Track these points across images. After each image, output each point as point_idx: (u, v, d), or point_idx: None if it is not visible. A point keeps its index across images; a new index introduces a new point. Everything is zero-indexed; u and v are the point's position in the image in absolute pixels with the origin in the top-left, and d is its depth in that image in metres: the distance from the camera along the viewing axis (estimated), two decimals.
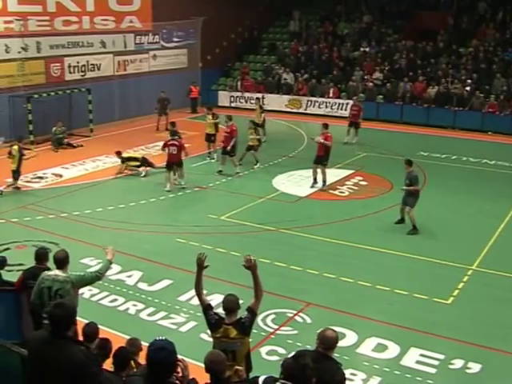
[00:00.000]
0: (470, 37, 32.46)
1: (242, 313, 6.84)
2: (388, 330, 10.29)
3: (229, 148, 19.87)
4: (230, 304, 6.87)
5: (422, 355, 9.51)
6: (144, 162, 20.34)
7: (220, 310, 7.01)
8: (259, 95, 30.15)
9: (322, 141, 18.25)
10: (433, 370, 9.17)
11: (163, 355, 4.60)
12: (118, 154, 20.29)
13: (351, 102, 27.40)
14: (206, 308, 7.02)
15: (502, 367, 9.35)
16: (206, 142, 22.15)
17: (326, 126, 18.84)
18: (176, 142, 18.41)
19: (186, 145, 18.93)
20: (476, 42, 32.06)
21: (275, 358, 9.20)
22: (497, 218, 16.09)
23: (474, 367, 9.23)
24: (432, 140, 26.14)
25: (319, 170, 18.50)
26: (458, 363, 9.32)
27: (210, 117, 22.15)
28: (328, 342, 5.81)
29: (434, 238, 14.85)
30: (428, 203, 16.07)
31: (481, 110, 28.59)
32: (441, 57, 31.61)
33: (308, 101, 31.70)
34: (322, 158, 18.37)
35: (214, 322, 6.89)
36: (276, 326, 10.31)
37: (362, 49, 33.75)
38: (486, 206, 17.24)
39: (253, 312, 6.91)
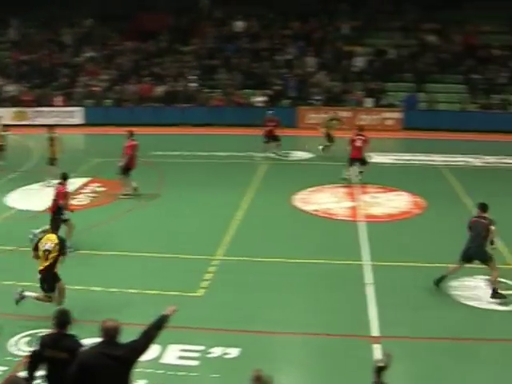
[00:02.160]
0: (191, 35, 33.64)
1: None
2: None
3: None
4: None
5: (182, 350, 9.63)
6: None
7: None
8: None
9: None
10: (195, 363, 9.34)
11: None
12: None
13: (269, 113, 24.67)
14: None
15: (258, 346, 9.86)
16: None
17: (131, 134, 18.29)
18: None
19: None
20: (197, 39, 33.32)
21: None
22: (233, 206, 16.93)
23: (233, 352, 9.60)
24: (164, 139, 26.69)
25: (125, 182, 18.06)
26: (217, 351, 9.61)
27: None
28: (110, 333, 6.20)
29: (175, 235, 15.15)
30: (170, 201, 16.42)
31: (207, 105, 29.86)
32: (165, 56, 32.34)
33: (35, 111, 30.41)
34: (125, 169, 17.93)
35: None
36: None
37: (85, 54, 33.26)
38: (222, 197, 18.07)
39: None
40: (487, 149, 25.02)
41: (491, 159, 23.59)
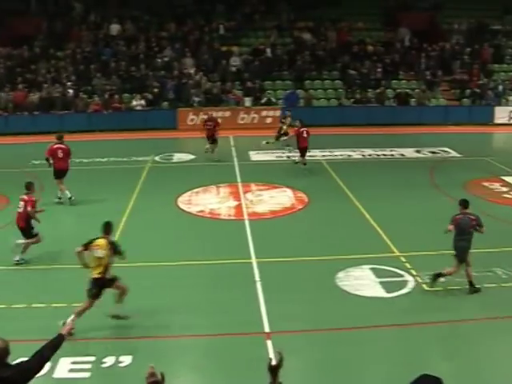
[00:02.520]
0: (66, 40, 32.71)
1: None
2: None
3: None
4: None
5: (73, 362, 9.35)
6: None
7: None
8: None
9: None
10: (87, 374, 9.12)
11: None
12: None
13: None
14: None
15: (151, 352, 9.70)
16: None
17: (60, 137, 18.20)
18: None
19: None
20: (72, 44, 32.44)
21: None
22: (117, 212, 16.48)
23: (126, 360, 9.44)
24: (43, 147, 25.70)
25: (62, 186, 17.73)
26: (109, 361, 9.42)
27: None
28: None
29: (59, 244, 14.34)
30: (51, 211, 15.86)
31: (86, 111, 29.16)
32: (39, 62, 31.25)
33: None
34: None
35: None
36: None
37: None
38: (105, 203, 17.67)
39: None
40: (365, 142, 25.96)
41: (370, 152, 24.48)
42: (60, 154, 17.88)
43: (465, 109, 31.33)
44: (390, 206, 17.39)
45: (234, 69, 32.41)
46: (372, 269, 12.84)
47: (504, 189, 19.48)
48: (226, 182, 19.94)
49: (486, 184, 19.92)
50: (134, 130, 27.90)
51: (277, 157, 23.84)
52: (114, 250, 10.47)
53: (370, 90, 31.46)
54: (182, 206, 17.61)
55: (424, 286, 12.15)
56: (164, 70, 31.69)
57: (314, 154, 22.93)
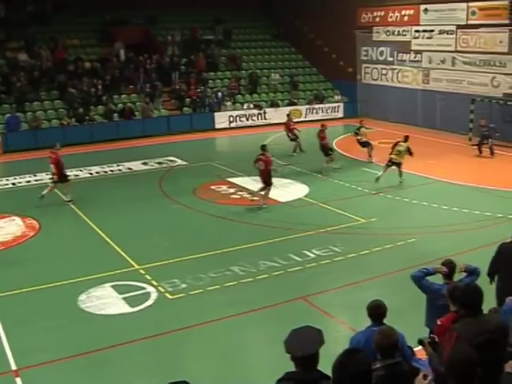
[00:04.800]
0: None
1: None
2: None
3: None
4: None
5: None
6: None
7: None
8: None
9: None
10: None
11: None
12: None
13: None
14: None
15: None
16: None
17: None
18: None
19: None
20: None
21: None
22: None
23: None
24: None
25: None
26: None
27: None
28: None
29: None
30: None
31: None
32: None
33: None
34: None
35: None
36: None
37: None
38: None
39: None
40: (92, 160, 25.56)
41: (97, 169, 24.15)
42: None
43: (186, 117, 32.50)
44: (123, 220, 17.44)
45: None
46: (113, 286, 12.76)
47: (231, 190, 20.57)
48: None
49: (213, 187, 20.86)
50: None
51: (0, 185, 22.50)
52: None
53: (92, 108, 31.11)
54: None
55: (167, 294, 12.38)
56: None
57: (38, 177, 22.14)
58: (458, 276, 8.02)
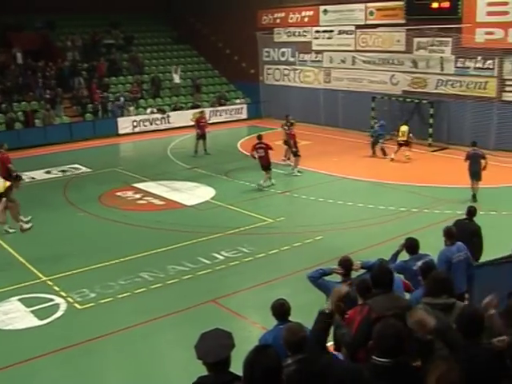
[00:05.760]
0: None
1: None
2: None
3: None
4: None
5: None
6: None
7: None
8: None
9: None
10: None
11: None
12: None
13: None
14: None
15: None
16: None
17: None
18: None
19: None
20: None
21: None
22: None
23: None
24: None
25: None
26: None
27: None
28: None
29: None
30: None
31: None
32: None
33: None
34: None
35: None
36: None
37: None
38: None
39: None
40: None
41: None
42: None
43: (89, 123, 31.85)
44: (29, 231, 16.91)
45: None
46: (20, 299, 12.40)
47: (137, 195, 20.35)
48: None
49: (119, 194, 20.59)
50: None
51: None
52: None
53: None
54: None
55: (76, 305, 12.14)
56: None
57: None
58: (355, 273, 8.21)
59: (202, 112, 28.31)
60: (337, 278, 8.10)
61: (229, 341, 4.63)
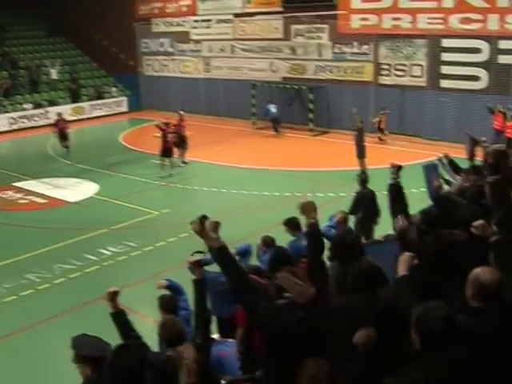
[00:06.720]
0: None
1: None
2: None
3: None
4: None
5: None
6: None
7: None
8: None
9: None
10: None
11: None
12: None
13: None
14: None
15: None
16: None
17: None
18: None
19: None
20: None
21: None
22: None
23: None
24: None
25: None
26: None
27: None
28: None
29: None
30: None
31: None
32: None
33: None
34: None
35: None
36: None
37: None
38: None
39: None
40: None
41: None
42: None
43: None
44: None
45: None
46: None
47: (18, 195, 19.74)
48: None
49: None
50: None
51: None
52: None
53: None
54: None
55: None
56: None
57: None
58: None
59: (60, 114, 25.90)
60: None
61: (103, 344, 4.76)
